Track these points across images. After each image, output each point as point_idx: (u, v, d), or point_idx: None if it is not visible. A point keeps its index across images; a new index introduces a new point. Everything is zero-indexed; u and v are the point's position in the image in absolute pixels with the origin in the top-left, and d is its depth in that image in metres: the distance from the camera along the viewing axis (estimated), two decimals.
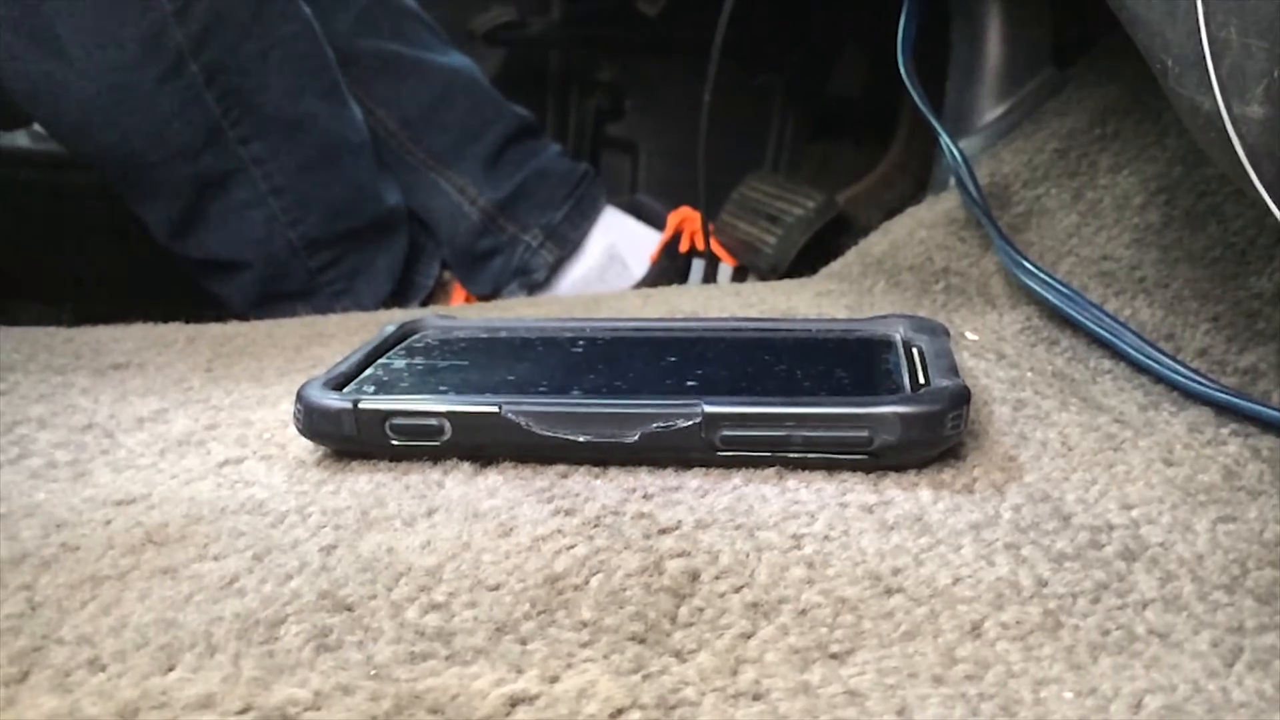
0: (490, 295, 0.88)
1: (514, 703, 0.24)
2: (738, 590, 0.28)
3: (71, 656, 0.26)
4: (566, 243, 0.88)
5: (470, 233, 0.88)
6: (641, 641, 0.26)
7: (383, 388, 0.38)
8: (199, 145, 0.75)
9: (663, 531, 0.31)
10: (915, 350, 0.40)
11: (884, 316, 0.44)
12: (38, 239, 0.95)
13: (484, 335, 0.44)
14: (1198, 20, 0.31)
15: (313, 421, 0.36)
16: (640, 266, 0.88)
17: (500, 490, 0.34)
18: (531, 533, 0.31)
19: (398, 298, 0.84)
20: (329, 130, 0.80)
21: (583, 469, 0.35)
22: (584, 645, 0.26)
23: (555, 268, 0.88)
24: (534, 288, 0.87)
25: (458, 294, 0.89)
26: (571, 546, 0.30)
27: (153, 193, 0.77)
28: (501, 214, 0.88)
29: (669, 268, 0.87)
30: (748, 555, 0.30)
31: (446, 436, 0.35)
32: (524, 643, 0.26)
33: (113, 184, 0.77)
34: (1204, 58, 0.31)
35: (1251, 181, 0.31)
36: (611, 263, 0.89)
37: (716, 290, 0.69)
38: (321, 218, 0.80)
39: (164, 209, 0.77)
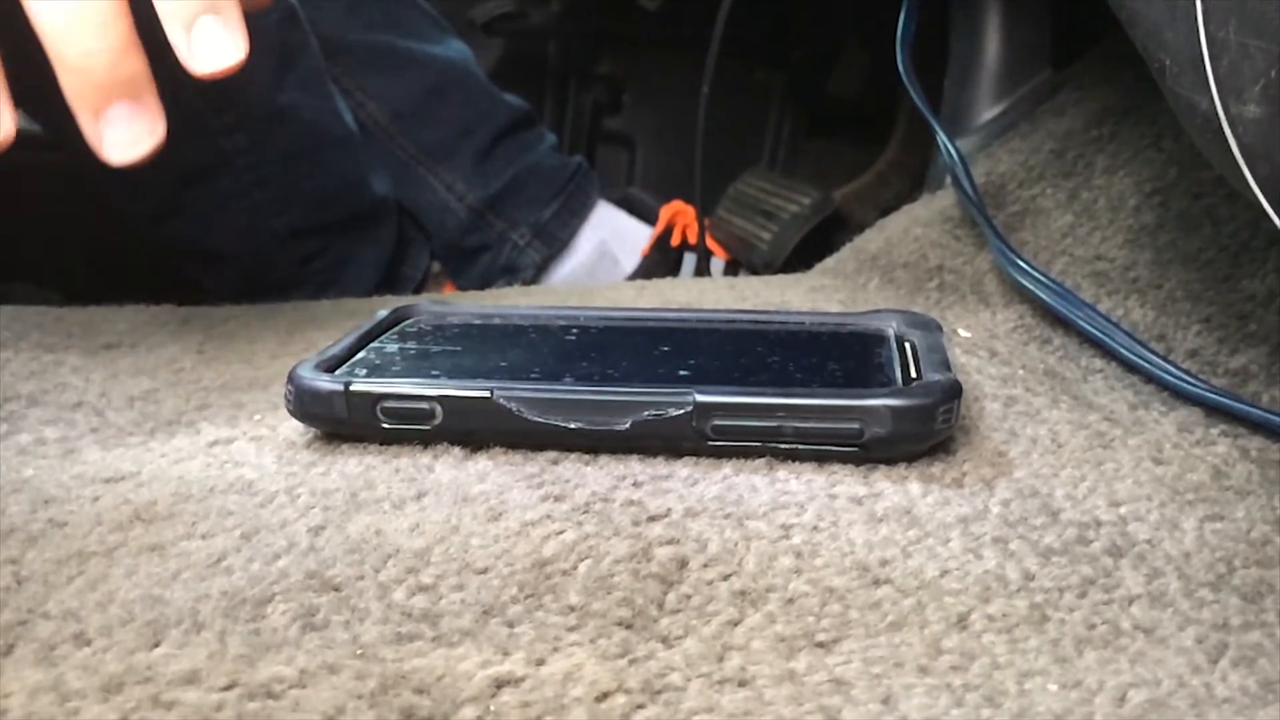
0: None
1: (499, 684, 0.24)
2: (725, 578, 0.28)
3: (57, 631, 0.26)
4: (555, 241, 0.87)
5: (458, 229, 0.87)
6: (628, 627, 0.26)
7: (375, 371, 0.38)
8: (180, 135, 0.73)
9: (652, 519, 0.31)
10: (908, 345, 0.40)
11: (877, 311, 0.44)
12: (31, 219, 0.95)
13: (477, 322, 0.44)
14: (1197, 19, 0.31)
15: (304, 403, 0.36)
16: (631, 262, 0.88)
17: (490, 475, 0.34)
18: (520, 518, 0.31)
19: (385, 289, 0.83)
20: (312, 121, 0.78)
21: (573, 456, 0.35)
22: (571, 629, 0.26)
23: (543, 266, 0.87)
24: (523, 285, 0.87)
25: (448, 288, 0.89)
26: (560, 532, 0.30)
27: (133, 183, 0.75)
28: (490, 211, 0.87)
29: (661, 262, 0.87)
30: (736, 544, 0.30)
31: (437, 420, 0.35)
32: (511, 626, 0.26)
33: (93, 174, 0.76)
34: (1202, 57, 0.31)
35: (1247, 181, 0.32)
36: (602, 259, 0.88)
37: (711, 283, 0.69)
38: (306, 209, 0.79)
39: (144, 200, 0.76)
